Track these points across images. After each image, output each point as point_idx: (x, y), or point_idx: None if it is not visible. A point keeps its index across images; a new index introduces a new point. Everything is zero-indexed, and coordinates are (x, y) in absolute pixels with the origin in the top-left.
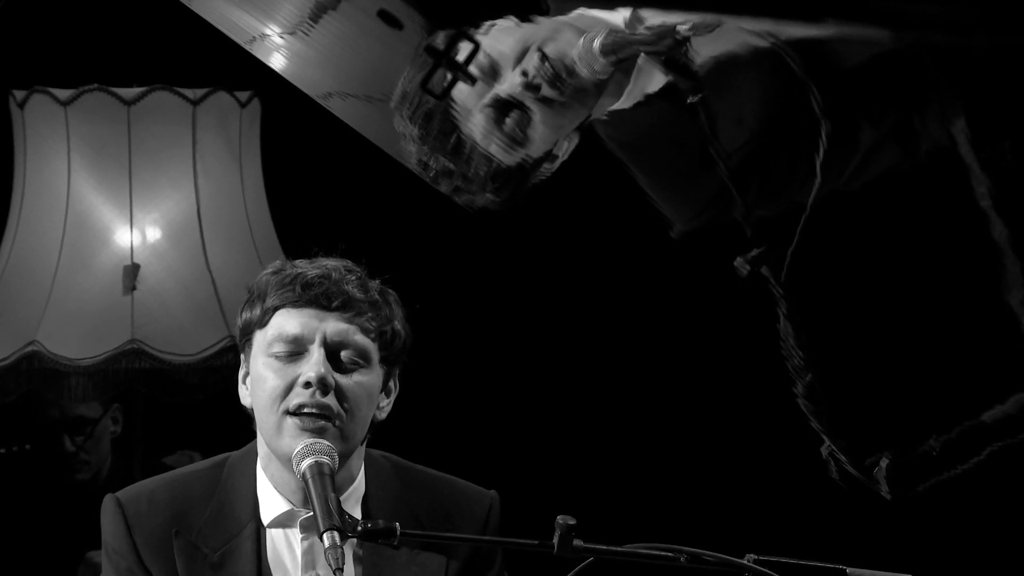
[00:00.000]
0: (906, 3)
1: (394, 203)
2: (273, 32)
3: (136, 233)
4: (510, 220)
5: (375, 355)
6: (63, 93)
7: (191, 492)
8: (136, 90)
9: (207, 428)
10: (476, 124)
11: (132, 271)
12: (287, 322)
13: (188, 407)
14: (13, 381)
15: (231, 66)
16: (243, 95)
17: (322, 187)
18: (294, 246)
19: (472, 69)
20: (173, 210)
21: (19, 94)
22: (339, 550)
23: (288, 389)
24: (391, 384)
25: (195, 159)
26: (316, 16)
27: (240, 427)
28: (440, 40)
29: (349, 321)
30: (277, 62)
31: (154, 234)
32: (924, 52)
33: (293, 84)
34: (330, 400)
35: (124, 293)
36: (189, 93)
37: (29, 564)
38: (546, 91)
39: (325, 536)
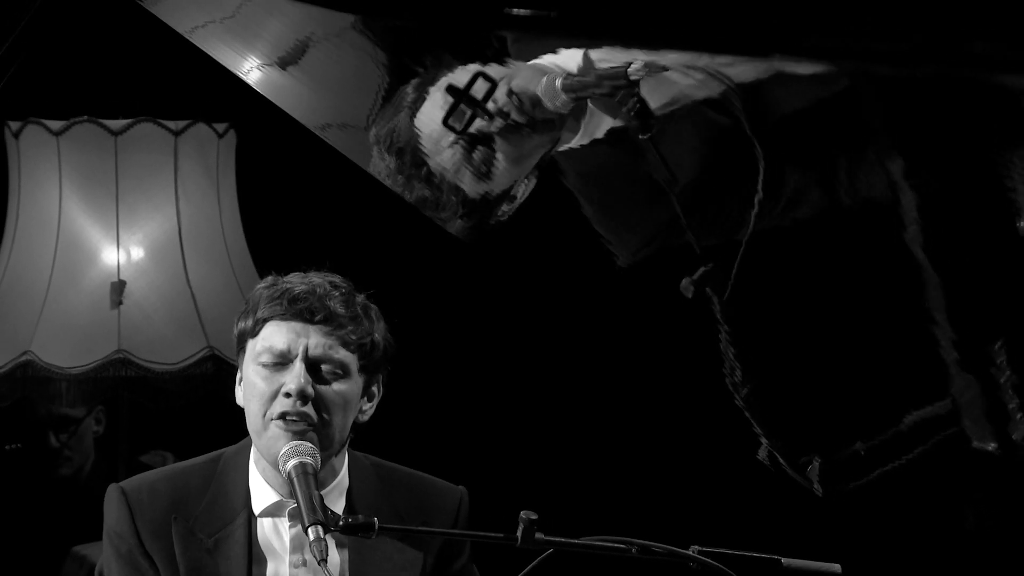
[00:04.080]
0: (850, 39)
1: (360, 222)
2: (269, 62)
3: (122, 252)
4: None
5: (354, 366)
6: (55, 124)
7: (189, 483)
8: (122, 122)
9: (183, 430)
10: (446, 158)
11: (118, 287)
12: (274, 334)
13: (167, 411)
14: (8, 388)
15: (210, 100)
16: (220, 127)
17: (292, 210)
18: (266, 263)
19: (444, 107)
20: (156, 231)
21: (14, 125)
22: (323, 542)
23: (273, 396)
24: (373, 389)
25: (176, 185)
26: (310, 46)
27: (214, 430)
28: (460, 79)
29: (329, 335)
30: (272, 92)
31: (139, 253)
32: (866, 85)
33: (266, 117)
34: (309, 409)
35: (111, 307)
36: (171, 125)
37: (16, 558)
38: (514, 117)
39: (310, 530)
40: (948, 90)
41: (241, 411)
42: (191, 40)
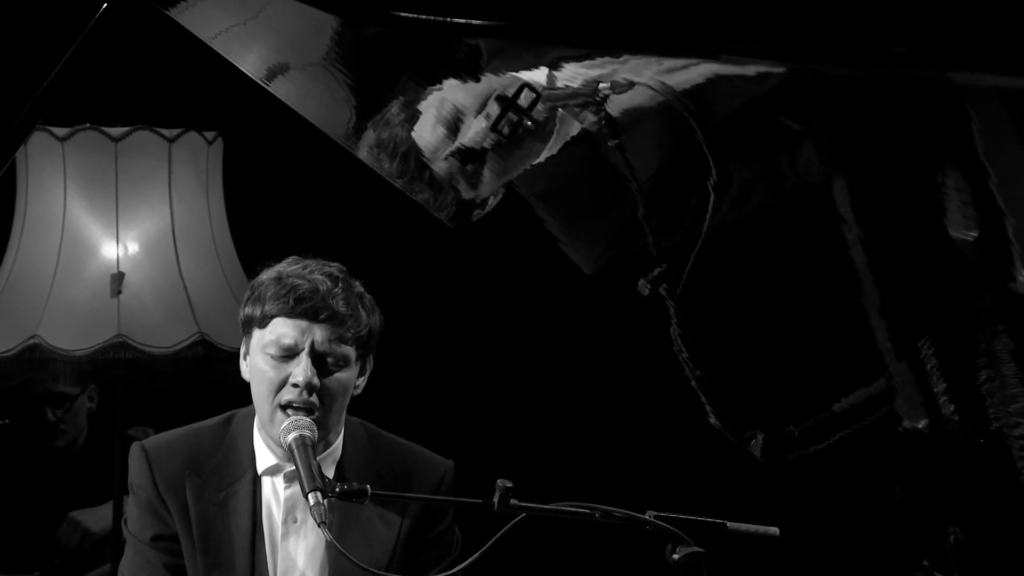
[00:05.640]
0: (800, 47)
1: (335, 218)
2: (289, 65)
3: (121, 247)
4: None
5: (353, 356)
6: (60, 131)
7: (203, 443)
8: (122, 129)
9: (172, 407)
10: (443, 166)
11: (118, 278)
12: (282, 330)
13: (156, 390)
14: (17, 368)
15: (201, 111)
16: (210, 135)
17: (274, 209)
18: (250, 257)
19: (439, 122)
20: (152, 228)
21: None
22: (322, 507)
23: (281, 385)
24: (366, 365)
25: (170, 187)
26: (324, 50)
27: (200, 407)
28: (509, 91)
29: (332, 331)
30: (292, 97)
31: (135, 248)
32: (812, 86)
33: (251, 126)
34: (314, 398)
35: (111, 296)
36: (166, 132)
37: (16, 522)
38: (507, 131)
39: (310, 496)
40: (886, 90)
41: (228, 389)
42: (213, 47)
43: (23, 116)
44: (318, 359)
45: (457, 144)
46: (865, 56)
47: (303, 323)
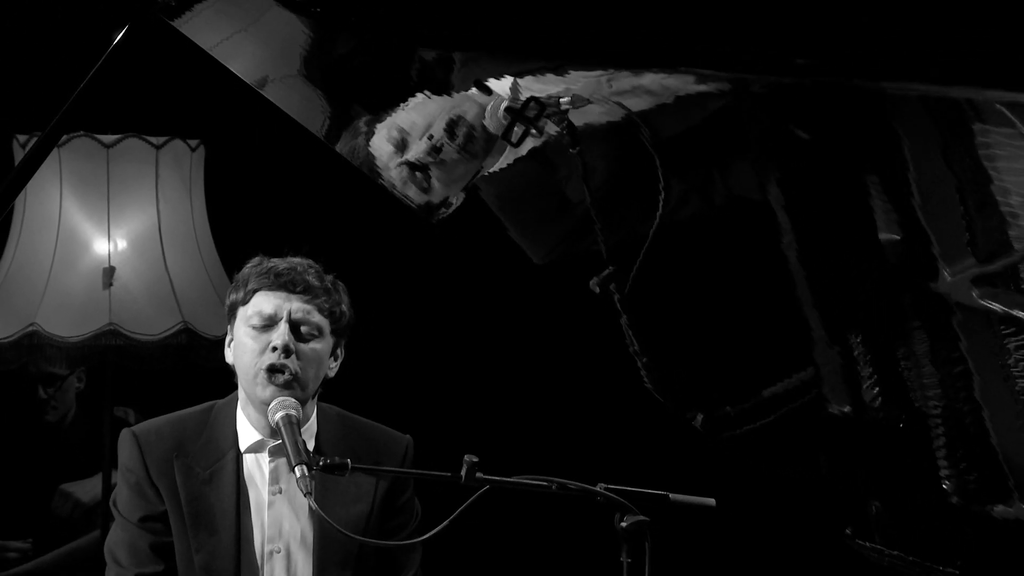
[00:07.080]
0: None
1: (308, 217)
2: (286, 72)
3: (112, 244)
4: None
5: (327, 328)
6: None
7: (187, 427)
8: (113, 137)
9: (156, 389)
10: (392, 176)
11: (109, 272)
12: (263, 302)
13: (143, 373)
14: (16, 353)
15: (185, 120)
16: (193, 142)
17: (249, 209)
18: (229, 254)
19: (388, 141)
20: (140, 227)
21: (22, 137)
22: (307, 479)
23: (262, 351)
24: (339, 351)
25: (157, 189)
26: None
27: (181, 389)
28: (518, 103)
29: (308, 302)
30: (280, 99)
31: (125, 244)
32: (749, 96)
33: (230, 135)
34: (291, 361)
35: (103, 288)
36: (153, 140)
37: (12, 493)
38: (446, 151)
39: (296, 469)
40: (817, 99)
41: (209, 373)
42: (213, 55)
43: (51, 128)
44: (295, 326)
45: (404, 158)
46: (799, 66)
47: (281, 294)
